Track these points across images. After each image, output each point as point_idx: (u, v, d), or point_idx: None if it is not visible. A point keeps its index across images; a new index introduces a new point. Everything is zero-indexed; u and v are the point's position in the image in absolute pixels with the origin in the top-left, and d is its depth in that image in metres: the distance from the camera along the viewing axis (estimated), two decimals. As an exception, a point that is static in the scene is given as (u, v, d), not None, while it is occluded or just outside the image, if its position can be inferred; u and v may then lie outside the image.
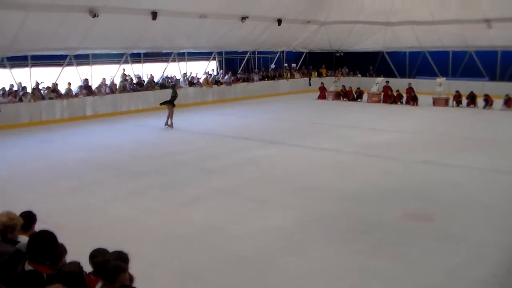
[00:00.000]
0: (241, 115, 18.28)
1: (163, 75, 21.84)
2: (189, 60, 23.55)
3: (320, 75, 28.72)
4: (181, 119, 17.27)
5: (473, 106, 19.88)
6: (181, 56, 22.96)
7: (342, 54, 29.53)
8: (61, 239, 3.35)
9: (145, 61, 21.90)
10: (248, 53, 26.20)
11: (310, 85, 27.88)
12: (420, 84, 24.60)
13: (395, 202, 7.74)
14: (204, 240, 6.27)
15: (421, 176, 9.26)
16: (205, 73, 23.52)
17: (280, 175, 9.34)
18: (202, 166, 10.08)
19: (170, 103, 15.39)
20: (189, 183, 8.88)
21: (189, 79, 22.19)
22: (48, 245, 3.17)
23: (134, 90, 19.61)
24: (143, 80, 20.79)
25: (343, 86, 23.53)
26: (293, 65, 28.97)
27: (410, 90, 21.41)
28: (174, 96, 15.65)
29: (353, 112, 19.06)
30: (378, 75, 25.46)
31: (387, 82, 22.29)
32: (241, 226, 6.72)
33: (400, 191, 8.32)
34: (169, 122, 15.12)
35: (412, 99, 20.90)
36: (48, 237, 3.21)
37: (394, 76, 26.78)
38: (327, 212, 7.25)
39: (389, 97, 21.64)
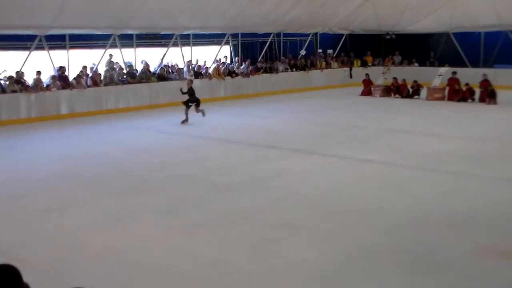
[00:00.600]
0: (262, 116, 18.34)
1: (161, 63, 22.06)
2: (195, 44, 23.77)
3: (364, 64, 28.73)
4: (180, 120, 17.33)
5: None
6: (185, 40, 23.18)
7: (393, 36, 29.45)
8: (26, 277, 3.32)
9: (138, 45, 22.15)
10: (271, 36, 26.35)
11: (351, 77, 27.90)
12: (499, 76, 24.30)
13: (465, 233, 7.61)
14: (211, 281, 6.20)
15: (502, 198, 9.11)
16: (216, 61, 23.69)
17: (312, 195, 9.32)
18: (210, 182, 10.09)
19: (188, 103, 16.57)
20: (193, 204, 8.89)
21: (195, 68, 22.34)
22: (8, 285, 3.14)
23: (123, 82, 19.84)
24: (136, 70, 21.00)
25: (395, 78, 23.51)
26: (330, 51, 29.05)
27: (485, 83, 21.23)
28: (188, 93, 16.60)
29: (408, 113, 18.97)
30: (441, 64, 25.35)
31: (454, 73, 22.24)
32: (260, 263, 6.65)
33: (472, 218, 8.16)
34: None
35: (489, 95, 20.73)
36: (8, 274, 3.19)
37: (463, 65, 26.53)
38: (373, 245, 7.16)
39: (457, 93, 21.54)
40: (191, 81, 17.87)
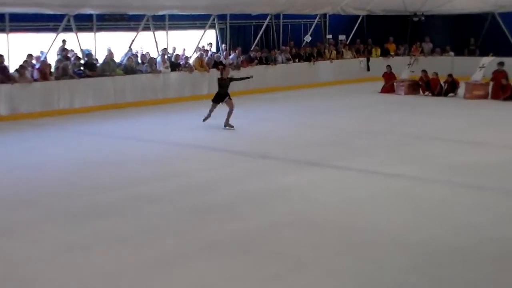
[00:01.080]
0: (257, 118, 18.38)
1: (129, 51, 22.06)
2: (172, 28, 23.79)
3: (385, 53, 29.03)
4: (155, 124, 17.23)
5: None
6: (159, 22, 23.21)
7: (422, 18, 29.60)
8: None
9: (99, 29, 22.06)
10: (268, 18, 26.42)
11: (368, 69, 28.10)
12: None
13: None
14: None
15: None
16: (199, 49, 23.65)
17: (321, 220, 9.26)
18: (189, 204, 10.03)
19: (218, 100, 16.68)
20: (166, 231, 8.81)
21: (172, 58, 22.29)
22: None
23: (80, 75, 19.80)
24: (96, 59, 20.91)
25: (424, 71, 23.61)
26: (342, 37, 29.23)
27: (541, 77, 21.37)
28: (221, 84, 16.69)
29: (441, 115, 19.00)
30: (484, 54, 25.52)
31: (501, 64, 22.32)
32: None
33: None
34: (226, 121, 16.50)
35: (545, 92, 20.91)
36: None
37: (512, 54, 26.52)
38: (399, 284, 7.08)
39: (504, 90, 21.62)
40: (228, 67, 18.04)
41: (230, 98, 16.58)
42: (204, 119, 16.59)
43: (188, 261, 7.71)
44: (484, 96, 22.01)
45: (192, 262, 7.65)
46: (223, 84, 16.65)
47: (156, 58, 22.01)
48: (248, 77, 17.95)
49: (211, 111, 16.59)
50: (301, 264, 7.61)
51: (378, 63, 27.49)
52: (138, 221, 9.18)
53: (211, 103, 16.64)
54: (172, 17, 23.50)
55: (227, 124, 16.38)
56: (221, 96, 16.61)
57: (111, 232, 8.72)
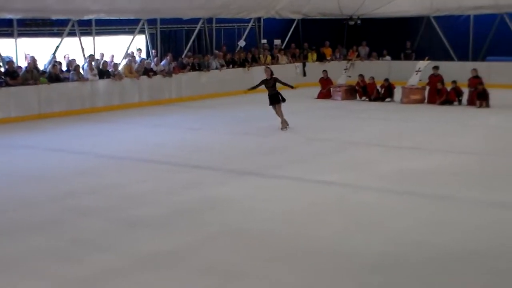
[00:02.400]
0: (190, 127, 18.43)
1: (53, 58, 21.78)
2: (99, 33, 23.52)
3: (321, 58, 29.19)
4: (84, 135, 17.13)
5: None
6: (86, 27, 22.93)
7: (359, 22, 30.05)
8: None
9: (21, 35, 21.72)
10: (201, 22, 26.45)
11: (305, 75, 28.23)
12: (494, 71, 25.30)
13: (456, 275, 7.76)
14: None
15: (499, 229, 9.35)
16: (128, 55, 23.51)
17: (257, 230, 9.34)
18: (123, 216, 10.02)
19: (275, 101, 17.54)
20: (100, 245, 8.79)
21: (100, 65, 22.13)
22: None
23: (1, 84, 19.52)
24: (18, 67, 20.60)
25: (361, 76, 23.96)
26: (277, 42, 29.31)
27: (475, 81, 21.95)
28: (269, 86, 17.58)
29: (378, 120, 19.41)
30: (420, 57, 25.99)
31: (436, 68, 22.88)
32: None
33: (464, 256, 8.35)
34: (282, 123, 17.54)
35: (479, 96, 21.45)
36: None
37: (448, 57, 27.43)
38: None
39: (439, 94, 22.19)
40: (268, 68, 18.39)
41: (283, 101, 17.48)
42: (282, 127, 17.32)
43: (124, 275, 7.70)
44: (421, 101, 22.59)
45: (128, 276, 7.66)
46: (269, 84, 17.37)
47: (83, 65, 21.82)
48: (291, 86, 18.40)
49: (278, 115, 17.32)
50: (238, 275, 7.68)
51: (315, 68, 27.70)
52: (72, 235, 9.11)
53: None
54: (99, 22, 23.13)
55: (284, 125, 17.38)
56: (273, 97, 17.34)
57: (45, 248, 8.63)
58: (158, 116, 20.32)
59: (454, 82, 22.04)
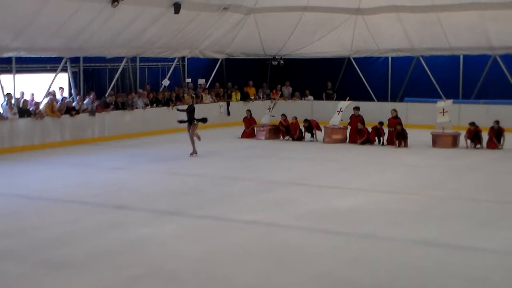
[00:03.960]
0: (112, 167, 18.32)
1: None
2: (19, 71, 23.16)
3: (245, 97, 29.50)
4: (2, 175, 16.81)
5: (501, 147, 21.18)
6: (5, 65, 22.55)
7: (282, 62, 30.58)
8: None
9: None
10: (124, 61, 26.47)
11: (228, 114, 28.43)
12: (411, 112, 26.19)
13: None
14: None
15: (420, 266, 9.58)
16: (49, 93, 23.23)
17: (180, 271, 9.35)
18: (41, 258, 9.89)
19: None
20: (19, 288, 8.62)
21: (20, 103, 21.82)
22: None
23: None
24: None
25: (284, 116, 24.27)
26: (201, 81, 29.50)
27: (394, 121, 22.56)
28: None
29: (300, 160, 19.73)
30: (341, 97, 26.66)
31: (356, 109, 23.33)
32: None
33: (378, 291, 8.55)
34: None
35: (398, 136, 22.02)
36: None
37: (368, 98, 28.26)
38: None
39: (360, 134, 22.69)
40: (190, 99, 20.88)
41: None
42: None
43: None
44: (343, 140, 23.06)
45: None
46: (189, 109, 19.63)
47: (2, 103, 21.49)
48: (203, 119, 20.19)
49: (191, 138, 19.34)
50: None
51: (238, 108, 28.03)
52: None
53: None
54: (20, 60, 22.88)
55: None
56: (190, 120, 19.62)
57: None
58: (80, 156, 20.10)
59: (381, 123, 22.39)
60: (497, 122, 21.14)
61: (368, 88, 28.94)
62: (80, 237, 11.06)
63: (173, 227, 11.76)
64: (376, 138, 22.54)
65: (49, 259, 9.83)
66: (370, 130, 22.58)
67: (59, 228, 11.68)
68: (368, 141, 22.52)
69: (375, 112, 24.59)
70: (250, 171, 17.64)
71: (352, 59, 29.32)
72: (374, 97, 28.71)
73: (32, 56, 22.76)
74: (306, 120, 23.86)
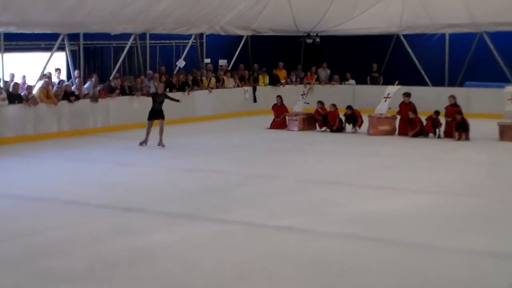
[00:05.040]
0: (118, 162, 18.33)
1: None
2: (9, 49, 23.27)
3: (274, 81, 29.38)
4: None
5: None
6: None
7: (317, 40, 30.43)
8: None
9: None
10: (132, 39, 26.42)
11: (255, 101, 28.35)
12: (473, 98, 25.88)
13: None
14: None
15: (492, 285, 9.44)
16: (44, 76, 23.30)
17: (197, 284, 9.30)
18: (38, 268, 9.87)
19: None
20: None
21: (10, 88, 21.91)
22: None
23: None
24: None
25: (321, 103, 24.13)
26: (222, 62, 29.43)
27: (452, 109, 22.34)
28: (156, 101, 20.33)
29: (340, 155, 19.60)
30: (389, 82, 26.43)
31: (407, 95, 23.15)
32: None
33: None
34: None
35: (457, 127, 21.82)
36: None
37: (421, 82, 27.96)
38: None
39: (412, 125, 22.51)
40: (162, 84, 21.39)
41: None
42: (142, 143, 20.00)
43: None
44: (391, 132, 22.88)
45: None
46: (159, 99, 19.58)
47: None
48: (177, 100, 21.05)
49: (149, 132, 19.41)
50: None
51: (267, 93, 28.00)
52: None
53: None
54: (9, 36, 22.96)
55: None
56: (157, 113, 19.70)
57: None
58: (80, 149, 20.15)
59: (436, 112, 22.21)
60: None
61: (421, 70, 28.69)
62: (80, 244, 11.01)
63: (190, 233, 11.67)
64: (432, 129, 22.30)
65: (44, 270, 9.79)
66: (424, 120, 22.37)
67: (56, 233, 11.66)
68: (422, 133, 22.32)
69: (429, 99, 24.37)
70: (280, 168, 17.54)
71: (402, 36, 29.05)
72: (428, 81, 28.47)
73: (23, 32, 22.80)
74: (349, 107, 23.67)
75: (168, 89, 25.74)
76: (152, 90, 24.75)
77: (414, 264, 10.15)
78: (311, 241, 11.27)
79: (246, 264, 10.12)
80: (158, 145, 19.86)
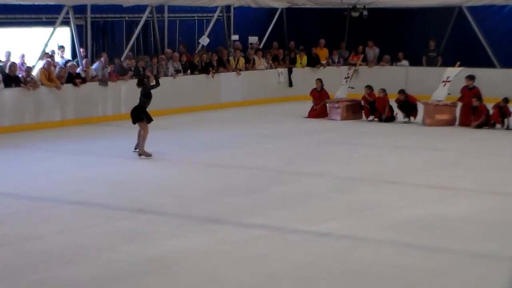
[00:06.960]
0: (131, 156, 18.43)
1: None
2: (4, 23, 23.41)
3: (314, 62, 29.36)
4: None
5: None
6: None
7: (365, 14, 30.27)
8: None
9: None
10: (148, 12, 26.49)
11: (291, 85, 28.40)
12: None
13: None
14: None
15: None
16: (46, 55, 23.42)
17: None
18: (37, 280, 9.93)
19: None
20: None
21: (7, 69, 22.06)
22: None
23: None
24: None
25: (368, 88, 24.15)
26: (253, 39, 29.40)
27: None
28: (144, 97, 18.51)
29: (391, 148, 19.66)
30: (448, 63, 26.23)
31: (470, 78, 23.02)
32: None
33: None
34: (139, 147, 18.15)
35: (530, 117, 21.72)
36: None
37: (487, 63, 27.73)
38: None
39: (476, 113, 22.37)
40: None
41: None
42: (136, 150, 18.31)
43: None
44: (450, 122, 22.78)
45: None
46: (143, 91, 18.34)
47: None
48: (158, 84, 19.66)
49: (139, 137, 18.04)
50: None
51: (305, 76, 28.03)
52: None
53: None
54: (5, 8, 23.02)
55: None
56: (138, 111, 18.23)
57: None
58: (87, 140, 20.30)
59: (505, 100, 22.10)
60: None
61: (487, 49, 28.42)
62: (85, 252, 11.07)
63: (214, 240, 11.70)
64: (499, 119, 22.19)
65: (45, 280, 9.86)
66: (490, 108, 22.26)
67: (59, 239, 11.74)
68: (487, 123, 22.22)
69: (497, 83, 24.27)
70: (320, 163, 17.54)
71: (465, 9, 28.78)
72: (495, 63, 28.20)
73: (21, 3, 22.94)
74: (401, 92, 23.53)
75: (189, 71, 25.82)
76: (169, 72, 24.84)
77: (474, 277, 10.12)
78: (354, 249, 11.30)
79: (276, 276, 10.14)
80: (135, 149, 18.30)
